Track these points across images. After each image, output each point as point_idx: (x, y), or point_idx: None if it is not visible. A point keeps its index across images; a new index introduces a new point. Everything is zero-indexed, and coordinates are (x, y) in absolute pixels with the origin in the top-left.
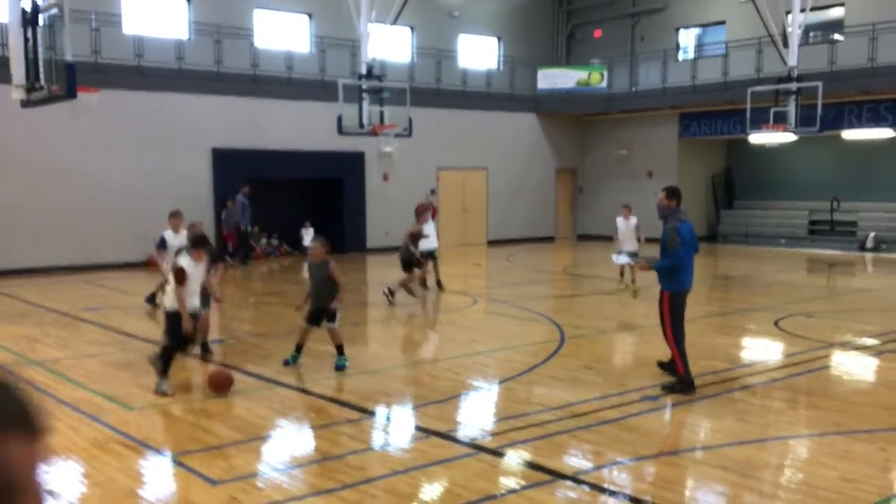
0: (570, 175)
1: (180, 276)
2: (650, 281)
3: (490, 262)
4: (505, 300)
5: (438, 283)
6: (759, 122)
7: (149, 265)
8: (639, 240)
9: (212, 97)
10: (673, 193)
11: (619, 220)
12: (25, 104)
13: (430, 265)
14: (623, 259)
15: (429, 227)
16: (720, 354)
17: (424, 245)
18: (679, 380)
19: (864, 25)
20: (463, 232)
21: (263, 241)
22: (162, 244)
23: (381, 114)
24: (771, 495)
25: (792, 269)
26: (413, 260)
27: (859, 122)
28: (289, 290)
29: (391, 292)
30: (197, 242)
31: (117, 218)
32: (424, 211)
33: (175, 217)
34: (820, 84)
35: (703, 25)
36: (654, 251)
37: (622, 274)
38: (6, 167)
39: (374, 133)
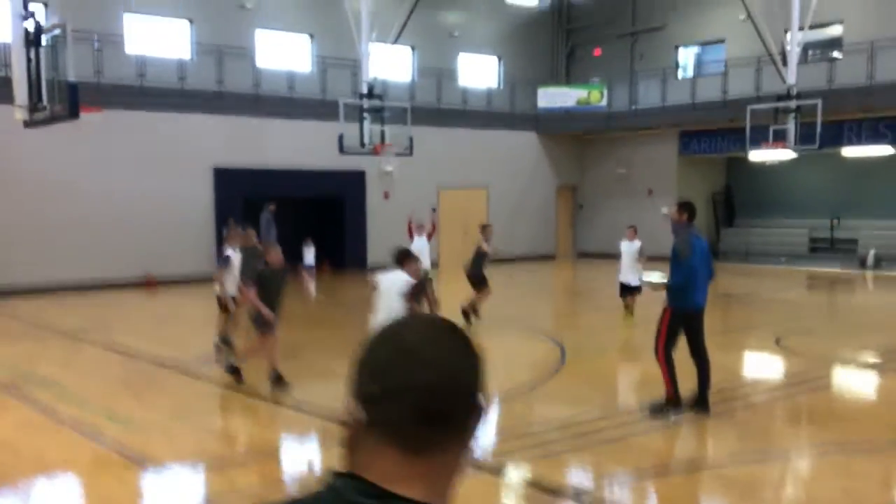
0: (570, 193)
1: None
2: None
3: (491, 279)
4: (506, 318)
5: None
6: (759, 140)
7: (147, 285)
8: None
9: (213, 117)
10: (683, 208)
11: (623, 243)
12: (28, 124)
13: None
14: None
15: (424, 246)
16: (721, 372)
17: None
18: (666, 400)
19: (863, 43)
20: (464, 250)
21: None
22: (226, 262)
23: (382, 133)
24: None
25: (792, 287)
26: (482, 278)
27: (859, 140)
28: (292, 308)
29: (467, 314)
30: (404, 256)
31: (119, 237)
32: (434, 230)
33: (234, 236)
34: (819, 102)
35: (703, 44)
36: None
37: (629, 307)
38: (8, 186)
39: (375, 152)
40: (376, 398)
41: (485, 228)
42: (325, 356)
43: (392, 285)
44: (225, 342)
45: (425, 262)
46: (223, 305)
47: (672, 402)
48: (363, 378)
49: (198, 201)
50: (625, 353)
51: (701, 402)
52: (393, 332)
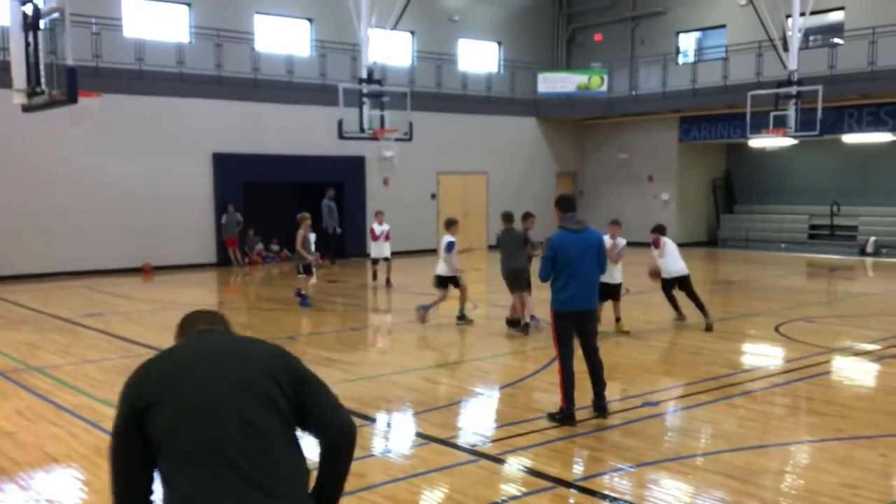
0: (570, 179)
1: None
2: (643, 310)
3: (490, 266)
4: (505, 305)
5: (388, 282)
6: (760, 126)
7: (143, 272)
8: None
9: (212, 101)
10: (557, 203)
11: (605, 239)
12: (27, 109)
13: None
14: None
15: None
16: (721, 360)
17: (377, 251)
18: (560, 409)
19: (864, 29)
20: (463, 236)
21: (260, 245)
22: (450, 247)
23: (382, 118)
24: (772, 502)
25: (792, 274)
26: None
27: (859, 126)
28: (288, 295)
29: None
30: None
31: (117, 223)
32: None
33: (455, 224)
34: (820, 88)
35: (704, 29)
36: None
37: (618, 319)
38: (7, 172)
39: (374, 138)
40: (214, 322)
41: (527, 218)
42: (322, 342)
43: None
44: (461, 318)
45: (384, 249)
46: (445, 284)
47: (564, 412)
48: (195, 323)
49: (197, 186)
50: (623, 340)
51: (599, 408)
52: (199, 312)
